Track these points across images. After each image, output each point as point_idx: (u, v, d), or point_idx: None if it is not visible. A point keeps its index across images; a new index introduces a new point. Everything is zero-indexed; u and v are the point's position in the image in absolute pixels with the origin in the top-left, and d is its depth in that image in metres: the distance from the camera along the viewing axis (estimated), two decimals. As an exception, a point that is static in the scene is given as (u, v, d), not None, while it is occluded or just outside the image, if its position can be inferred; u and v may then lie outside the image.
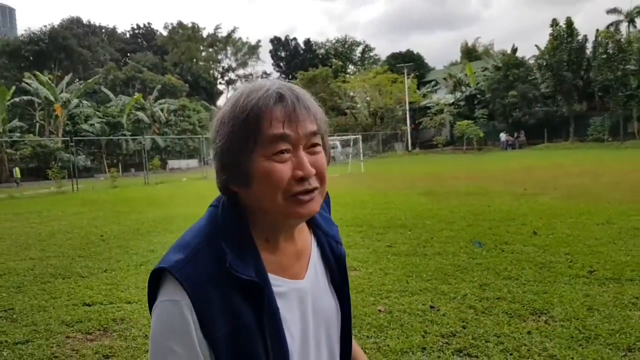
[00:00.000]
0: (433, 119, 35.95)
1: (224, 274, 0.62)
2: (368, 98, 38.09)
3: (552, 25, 29.59)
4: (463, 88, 37.24)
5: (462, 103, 36.70)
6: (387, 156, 33.97)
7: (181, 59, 54.84)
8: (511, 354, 2.49)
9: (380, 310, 3.27)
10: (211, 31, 60.87)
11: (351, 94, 39.95)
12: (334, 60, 49.87)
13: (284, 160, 0.64)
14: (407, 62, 38.80)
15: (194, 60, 56.81)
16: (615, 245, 4.57)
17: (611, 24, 30.67)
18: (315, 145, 0.68)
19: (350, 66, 54.18)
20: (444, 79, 38.72)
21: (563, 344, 2.55)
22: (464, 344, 2.65)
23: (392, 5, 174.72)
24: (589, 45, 29.42)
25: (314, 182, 0.66)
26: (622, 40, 27.47)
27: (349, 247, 5.26)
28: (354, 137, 23.52)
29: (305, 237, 0.75)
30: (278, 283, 0.68)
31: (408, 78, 36.36)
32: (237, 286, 0.62)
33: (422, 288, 3.70)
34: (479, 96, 35.56)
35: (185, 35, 57.04)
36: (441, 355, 2.54)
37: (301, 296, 0.70)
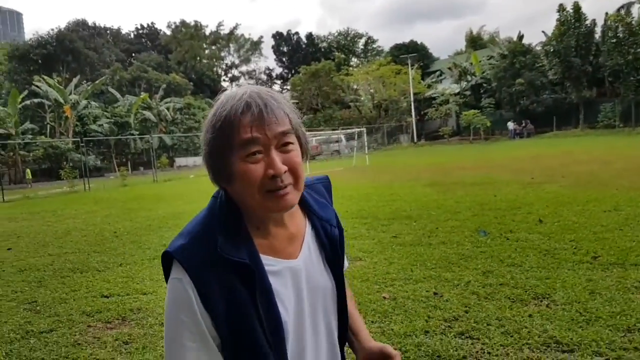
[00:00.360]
0: (438, 110, 35.70)
1: (218, 257, 0.72)
2: (372, 90, 37.90)
3: (559, 11, 29.09)
4: (468, 77, 36.85)
5: (467, 93, 36.36)
6: (393, 148, 33.90)
7: (185, 57, 55.05)
8: (512, 336, 2.58)
9: (384, 297, 3.37)
10: (214, 29, 60.89)
11: (355, 86, 39.77)
12: (336, 53, 49.62)
13: (257, 161, 0.73)
14: (411, 53, 38.51)
15: (198, 58, 56.97)
16: (621, 232, 4.58)
17: (622, 7, 29.97)
18: (287, 144, 0.75)
19: (353, 59, 53.83)
20: (449, 68, 38.32)
21: (563, 326, 2.63)
22: (466, 327, 2.75)
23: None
24: (598, 30, 28.88)
25: (287, 179, 0.74)
26: (633, 23, 26.85)
27: (354, 238, 5.36)
28: (358, 130, 23.49)
29: (298, 222, 0.84)
30: (271, 263, 0.77)
31: (412, 69, 36.10)
32: (230, 267, 0.72)
33: (426, 276, 3.79)
34: (485, 85, 35.19)
35: (189, 34, 57.18)
36: (443, 338, 2.63)
37: (294, 273, 0.79)
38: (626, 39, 26.42)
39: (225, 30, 60.76)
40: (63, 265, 5.17)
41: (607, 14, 28.41)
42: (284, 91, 56.88)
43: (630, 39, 26.28)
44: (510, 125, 32.18)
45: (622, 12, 29.60)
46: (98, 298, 3.92)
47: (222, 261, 0.72)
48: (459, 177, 10.95)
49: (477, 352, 2.45)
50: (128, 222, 8.27)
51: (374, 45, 56.39)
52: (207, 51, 59.64)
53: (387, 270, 4.05)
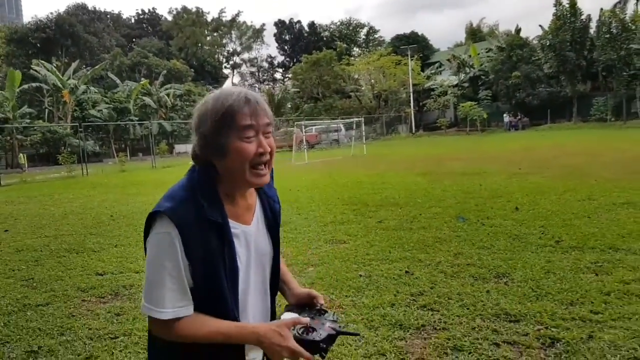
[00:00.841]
0: (437, 101, 35.78)
1: (201, 216, 0.96)
2: (372, 80, 37.85)
3: (555, 5, 29.08)
4: (467, 69, 36.86)
5: (466, 84, 36.42)
6: (391, 138, 34.01)
7: (186, 43, 54.64)
8: (468, 308, 2.84)
9: (361, 275, 3.63)
10: (215, 15, 60.39)
11: (355, 76, 39.69)
12: (338, 42, 49.33)
13: (250, 141, 0.98)
14: (411, 44, 38.35)
15: (199, 44, 56.54)
16: (588, 219, 4.84)
17: (618, 2, 29.97)
18: (269, 132, 1.01)
19: (354, 48, 53.55)
20: (448, 60, 38.29)
21: (515, 300, 2.89)
22: (429, 300, 3.00)
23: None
24: (593, 25, 28.96)
25: (267, 156, 0.99)
26: (626, 19, 26.99)
27: (341, 223, 5.60)
28: (357, 119, 23.61)
29: (253, 196, 1.10)
30: (234, 226, 1.01)
31: (412, 60, 36.01)
32: (209, 225, 0.96)
33: (401, 257, 4.04)
34: (482, 77, 35.24)
35: (190, 20, 56.65)
36: (407, 310, 2.89)
37: (247, 237, 1.04)
38: (619, 35, 26.57)
39: (227, 17, 60.31)
40: (59, 246, 5.36)
41: (601, 9, 28.41)
42: (285, 79, 56.66)
43: (623, 35, 26.45)
44: (506, 117, 32.38)
45: (619, 7, 29.61)
46: (93, 276, 4.12)
47: (203, 220, 0.95)
48: (451, 168, 11.18)
49: (434, 321, 2.71)
50: (125, 206, 8.48)
51: (376, 36, 56.06)
52: (208, 38, 59.16)
53: (367, 251, 4.30)
